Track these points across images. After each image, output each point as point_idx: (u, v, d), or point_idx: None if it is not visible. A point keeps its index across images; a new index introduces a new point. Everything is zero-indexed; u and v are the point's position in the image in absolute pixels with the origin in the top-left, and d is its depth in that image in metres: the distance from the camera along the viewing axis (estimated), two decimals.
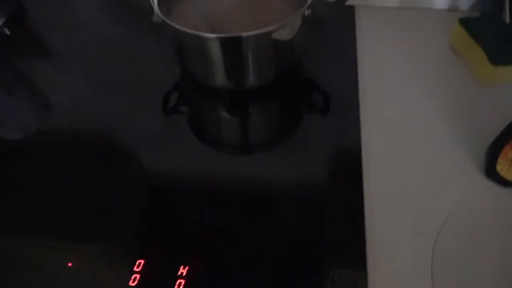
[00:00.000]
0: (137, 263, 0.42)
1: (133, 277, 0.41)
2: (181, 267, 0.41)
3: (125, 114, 0.59)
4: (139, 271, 0.41)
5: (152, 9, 0.53)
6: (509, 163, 0.44)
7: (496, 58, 0.55)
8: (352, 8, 0.71)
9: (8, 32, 0.73)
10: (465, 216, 0.43)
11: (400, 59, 0.63)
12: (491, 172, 0.47)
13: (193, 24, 0.58)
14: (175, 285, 0.40)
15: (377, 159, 0.51)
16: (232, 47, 0.51)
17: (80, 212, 0.48)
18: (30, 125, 0.59)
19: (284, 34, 0.51)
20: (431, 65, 0.61)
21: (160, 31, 0.54)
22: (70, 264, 0.42)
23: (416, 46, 0.64)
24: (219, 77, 0.56)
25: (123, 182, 0.51)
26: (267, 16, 0.58)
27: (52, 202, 0.49)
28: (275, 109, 0.61)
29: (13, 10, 0.75)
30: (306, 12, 0.51)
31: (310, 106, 0.60)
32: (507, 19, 0.60)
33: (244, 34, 0.48)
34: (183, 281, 0.40)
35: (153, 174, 0.52)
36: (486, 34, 0.58)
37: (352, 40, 0.65)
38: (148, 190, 0.51)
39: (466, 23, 0.59)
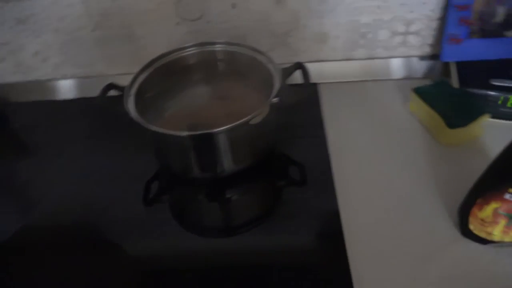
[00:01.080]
0: None
1: None
2: None
3: (109, 204, 0.60)
4: None
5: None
6: (480, 222, 0.46)
7: (453, 122, 0.60)
8: (314, 85, 0.77)
9: None
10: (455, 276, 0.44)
11: (366, 128, 0.67)
12: (466, 232, 0.49)
13: (170, 119, 0.62)
14: None
15: (356, 222, 0.53)
16: (204, 142, 0.53)
17: None
18: (14, 224, 0.59)
19: (254, 123, 0.54)
20: (395, 131, 0.66)
21: (137, 127, 0.57)
22: None
23: (379, 115, 0.69)
24: (196, 168, 0.58)
25: (110, 269, 0.51)
26: (239, 105, 0.63)
27: None
28: (253, 190, 0.63)
29: None
30: (273, 100, 0.56)
31: (288, 180, 0.62)
32: (457, 85, 0.66)
33: (214, 130, 0.50)
34: None
35: (138, 261, 0.53)
36: (440, 100, 0.63)
37: (318, 114, 0.70)
38: (134, 276, 0.51)
39: (420, 91, 0.65)
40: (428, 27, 0.72)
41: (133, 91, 0.60)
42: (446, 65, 0.73)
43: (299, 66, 0.60)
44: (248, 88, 0.65)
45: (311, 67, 0.76)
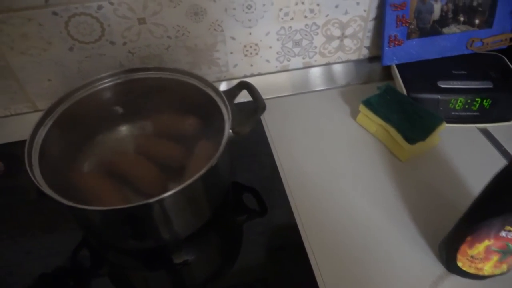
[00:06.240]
0: None
1: None
2: None
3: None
4: None
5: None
6: (469, 259, 0.41)
7: (409, 135, 0.54)
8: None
9: None
10: None
11: (316, 145, 0.59)
12: (453, 268, 0.43)
13: (91, 178, 0.49)
14: None
15: (323, 260, 0.46)
16: (145, 212, 0.41)
17: None
18: None
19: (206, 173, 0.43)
20: (347, 147, 0.59)
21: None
22: None
23: (327, 129, 0.62)
24: (138, 241, 0.46)
25: None
26: (181, 146, 0.51)
27: None
28: (209, 247, 0.51)
29: None
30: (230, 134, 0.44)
31: (247, 214, 0.52)
32: (403, 91, 0.61)
33: (158, 198, 0.38)
34: None
35: None
36: (390, 110, 0.57)
37: (263, 135, 0.61)
38: None
39: (369, 103, 0.58)
40: (364, 28, 0.66)
41: (36, 153, 0.44)
42: (387, 67, 0.68)
43: (244, 85, 0.50)
44: (188, 123, 0.53)
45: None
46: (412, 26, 0.62)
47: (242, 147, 0.60)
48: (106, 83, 0.52)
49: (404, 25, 0.61)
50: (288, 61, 0.67)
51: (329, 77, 0.69)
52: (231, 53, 0.64)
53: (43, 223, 0.51)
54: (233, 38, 0.62)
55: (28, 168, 0.42)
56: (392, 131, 0.56)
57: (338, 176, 0.55)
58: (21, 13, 0.52)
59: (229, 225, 0.52)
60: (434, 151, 0.58)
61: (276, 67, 0.68)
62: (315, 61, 0.68)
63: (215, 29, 0.60)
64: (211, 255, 0.50)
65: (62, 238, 0.50)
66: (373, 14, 0.64)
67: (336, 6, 0.61)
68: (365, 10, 0.63)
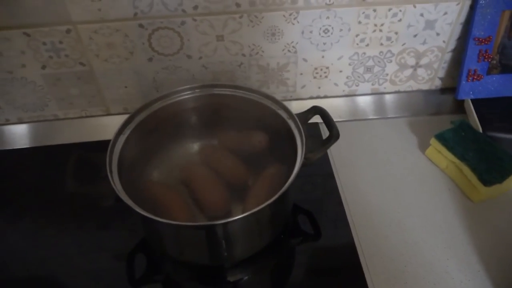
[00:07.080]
0: None
1: None
2: None
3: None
4: None
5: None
6: None
7: (485, 176, 0.51)
8: (316, 125, 0.67)
9: None
10: None
11: (381, 177, 0.58)
12: None
13: (161, 187, 0.52)
14: None
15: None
16: (212, 233, 0.42)
17: None
18: None
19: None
20: (414, 182, 0.57)
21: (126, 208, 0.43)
22: None
23: (393, 161, 0.60)
24: (200, 257, 0.47)
25: None
26: (251, 165, 0.53)
27: None
28: (265, 268, 0.51)
29: None
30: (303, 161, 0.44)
31: (300, 237, 0.52)
32: (478, 127, 0.59)
33: (218, 222, 0.39)
34: None
35: None
36: (465, 147, 0.55)
37: (326, 161, 0.60)
38: None
39: (443, 139, 0.56)
40: (440, 59, 0.64)
41: (115, 160, 0.46)
42: (459, 101, 0.65)
43: (318, 111, 0.50)
44: (257, 143, 0.53)
45: (310, 105, 0.66)
46: (494, 62, 0.59)
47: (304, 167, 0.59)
48: (182, 96, 0.54)
49: (486, 60, 0.59)
50: (357, 86, 0.66)
51: (397, 105, 0.68)
52: (301, 74, 0.64)
53: (101, 220, 0.54)
54: (305, 60, 0.62)
55: (109, 175, 0.44)
56: (466, 170, 0.53)
57: (404, 210, 0.53)
58: (111, 24, 0.55)
59: (287, 248, 0.52)
60: (509, 194, 0.55)
61: (344, 91, 0.67)
62: (384, 88, 0.67)
63: (289, 50, 0.60)
64: (266, 276, 0.50)
65: (120, 238, 0.52)
66: (452, 45, 0.62)
67: (415, 36, 0.60)
68: (444, 41, 0.61)
